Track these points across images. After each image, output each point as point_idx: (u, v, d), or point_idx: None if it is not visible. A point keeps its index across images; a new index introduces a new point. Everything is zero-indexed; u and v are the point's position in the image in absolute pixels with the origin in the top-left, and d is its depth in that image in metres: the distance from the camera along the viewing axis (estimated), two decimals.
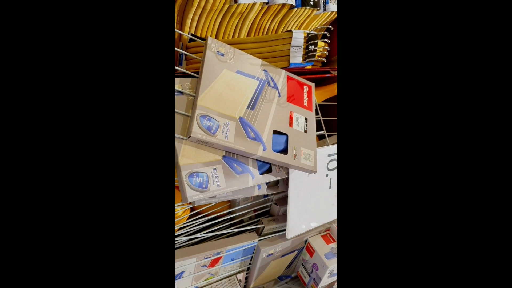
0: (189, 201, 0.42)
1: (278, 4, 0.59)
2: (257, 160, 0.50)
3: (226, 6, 0.55)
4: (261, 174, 0.51)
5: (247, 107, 0.48)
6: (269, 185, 0.56)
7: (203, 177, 0.44)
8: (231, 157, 0.48)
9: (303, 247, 0.65)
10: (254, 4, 0.57)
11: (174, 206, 0.48)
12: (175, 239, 0.54)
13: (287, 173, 0.54)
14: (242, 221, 0.61)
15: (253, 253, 0.60)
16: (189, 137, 0.42)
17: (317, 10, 0.65)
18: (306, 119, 0.55)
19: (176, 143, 0.43)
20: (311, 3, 0.62)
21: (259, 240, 0.58)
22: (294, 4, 0.61)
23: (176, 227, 0.52)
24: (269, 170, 0.52)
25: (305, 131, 0.54)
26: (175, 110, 0.44)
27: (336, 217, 0.64)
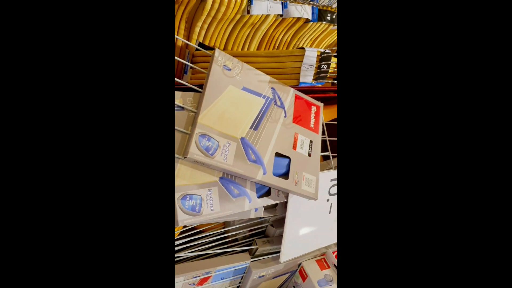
0: (180, 225, 0.40)
1: (293, 18, 0.56)
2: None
3: (238, 16, 0.53)
4: (259, 197, 0.49)
5: (250, 127, 0.46)
6: (267, 207, 0.53)
7: (196, 199, 0.42)
8: (229, 178, 0.45)
9: (296, 269, 0.63)
10: (267, 16, 0.54)
11: (174, 222, 0.46)
12: None
13: (286, 197, 0.52)
14: (236, 240, 0.59)
15: (244, 273, 0.58)
16: (185, 157, 0.40)
17: (334, 25, 0.62)
18: (311, 142, 0.53)
19: None
20: (328, 18, 0.60)
21: (251, 261, 0.56)
22: (310, 18, 0.58)
23: None
24: (267, 193, 0.50)
25: (309, 155, 0.51)
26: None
27: (333, 242, 0.62)
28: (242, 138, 0.44)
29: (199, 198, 0.42)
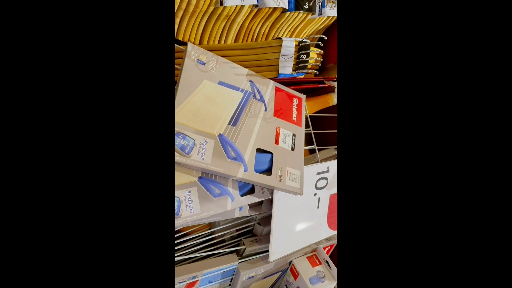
0: None
1: (269, 8, 0.54)
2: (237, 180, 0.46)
3: (211, 8, 0.51)
4: (242, 195, 0.47)
5: (229, 123, 0.44)
6: (252, 205, 0.52)
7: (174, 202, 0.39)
8: (209, 177, 0.43)
9: (288, 268, 0.61)
10: (242, 6, 0.52)
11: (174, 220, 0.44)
12: None
13: (271, 193, 0.50)
14: (223, 240, 0.57)
15: (233, 274, 0.56)
16: None
17: (312, 14, 0.60)
18: (294, 135, 0.51)
19: None
20: (306, 6, 0.58)
21: (239, 262, 0.54)
22: (287, 7, 0.56)
23: None
24: (251, 191, 0.48)
25: (293, 149, 0.50)
26: None
27: (323, 237, 0.60)
28: (220, 135, 0.42)
29: (177, 200, 0.40)
